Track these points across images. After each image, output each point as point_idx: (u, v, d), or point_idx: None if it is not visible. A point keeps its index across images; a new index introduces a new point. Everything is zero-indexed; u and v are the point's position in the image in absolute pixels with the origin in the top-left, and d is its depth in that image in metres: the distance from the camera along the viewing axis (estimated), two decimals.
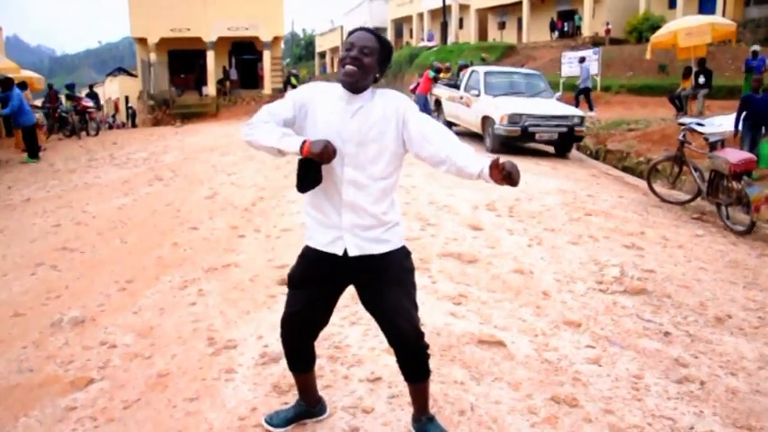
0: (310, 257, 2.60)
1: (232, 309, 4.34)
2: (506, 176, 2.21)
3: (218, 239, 6.18)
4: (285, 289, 4.62)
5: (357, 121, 2.42)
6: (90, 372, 3.52)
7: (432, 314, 4.16)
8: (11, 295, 4.93)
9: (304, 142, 2.34)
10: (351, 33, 2.48)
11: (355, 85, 2.42)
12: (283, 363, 3.49)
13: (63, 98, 21.16)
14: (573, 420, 3.02)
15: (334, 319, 4.03)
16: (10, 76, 15.12)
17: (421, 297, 4.36)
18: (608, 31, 31.74)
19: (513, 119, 11.66)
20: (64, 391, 3.34)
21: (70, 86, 22.81)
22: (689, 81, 15.99)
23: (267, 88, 30.88)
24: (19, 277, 5.37)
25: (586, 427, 2.97)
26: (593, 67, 19.98)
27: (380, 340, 3.77)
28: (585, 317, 4.30)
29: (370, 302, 2.60)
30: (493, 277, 4.94)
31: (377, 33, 2.49)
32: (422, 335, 2.61)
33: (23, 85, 19.03)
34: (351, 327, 4.01)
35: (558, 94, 13.81)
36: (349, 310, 4.27)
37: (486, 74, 13.57)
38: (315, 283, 2.60)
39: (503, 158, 2.24)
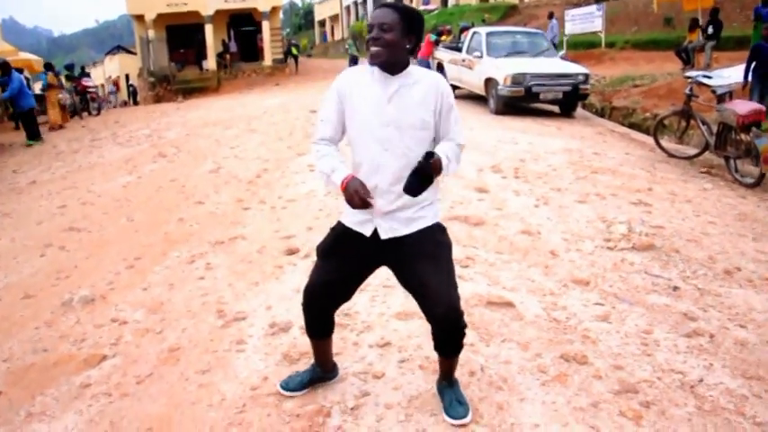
0: (340, 232, 2.66)
1: (240, 281, 4.37)
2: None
3: (224, 213, 6.20)
4: (292, 259, 4.73)
5: (394, 105, 2.45)
6: (102, 349, 3.57)
7: None
8: (21, 277, 4.98)
9: (343, 181, 2.44)
10: (374, 5, 2.50)
11: (387, 64, 2.43)
12: (293, 332, 3.55)
13: (63, 79, 21.06)
14: (583, 377, 3.04)
15: None
16: (8, 59, 15.09)
17: None
18: None
19: (517, 79, 11.53)
20: (78, 368, 3.39)
21: (69, 67, 22.70)
22: (696, 33, 15.72)
23: (267, 59, 30.62)
24: (28, 259, 5.41)
25: (596, 383, 2.99)
26: (597, 23, 19.67)
27: (388, 306, 3.82)
28: (594, 275, 4.30)
29: (405, 280, 2.61)
30: (500, 239, 4.94)
31: (396, 5, 2.45)
32: (461, 314, 2.56)
33: (20, 70, 19.03)
34: (359, 294, 3.97)
35: (562, 52, 13.64)
36: None
37: (488, 35, 13.40)
38: (342, 257, 2.63)
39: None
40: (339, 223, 2.68)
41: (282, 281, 4.35)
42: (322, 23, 63.47)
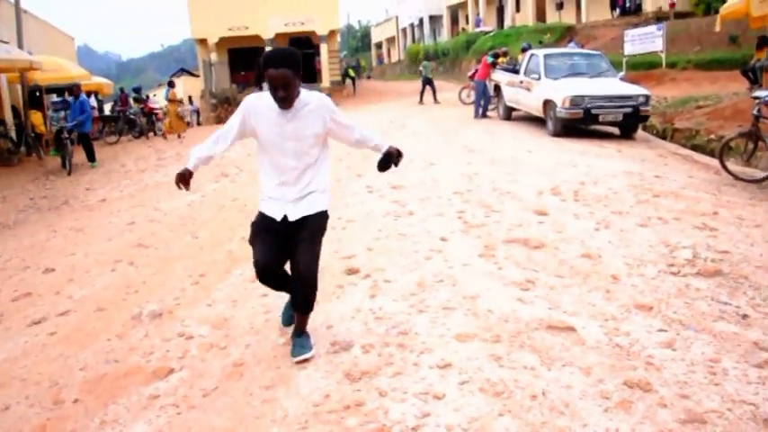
0: (260, 218, 3.46)
1: None
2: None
3: None
4: (353, 279, 4.80)
5: (293, 124, 3.27)
6: (170, 362, 3.69)
7: (499, 300, 4.16)
8: (94, 291, 5.20)
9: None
10: (265, 67, 3.10)
11: (290, 107, 3.24)
12: (354, 351, 3.59)
13: (131, 101, 21.95)
14: (647, 405, 2.97)
15: (402, 307, 4.14)
16: (82, 82, 15.93)
17: (487, 284, 4.44)
18: (672, 5, 30.50)
19: (576, 101, 11.42)
20: (147, 380, 3.51)
21: (137, 89, 23.62)
22: (764, 51, 15.23)
23: (325, 81, 31.18)
24: (100, 274, 5.65)
25: (661, 411, 2.92)
26: (658, 43, 19.29)
27: (448, 327, 3.82)
28: (657, 300, 4.20)
29: (293, 251, 3.36)
30: (560, 262, 4.89)
31: (285, 59, 3.12)
32: (314, 275, 3.41)
33: (94, 92, 20.00)
34: (419, 314, 4.05)
35: (622, 73, 13.42)
36: (416, 298, 4.32)
37: (546, 56, 13.33)
38: (265, 234, 3.40)
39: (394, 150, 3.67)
40: (259, 213, 3.46)
41: (343, 300, 4.41)
42: (378, 45, 64.23)
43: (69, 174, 12.60)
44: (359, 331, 3.86)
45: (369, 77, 45.28)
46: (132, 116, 20.23)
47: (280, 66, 3.07)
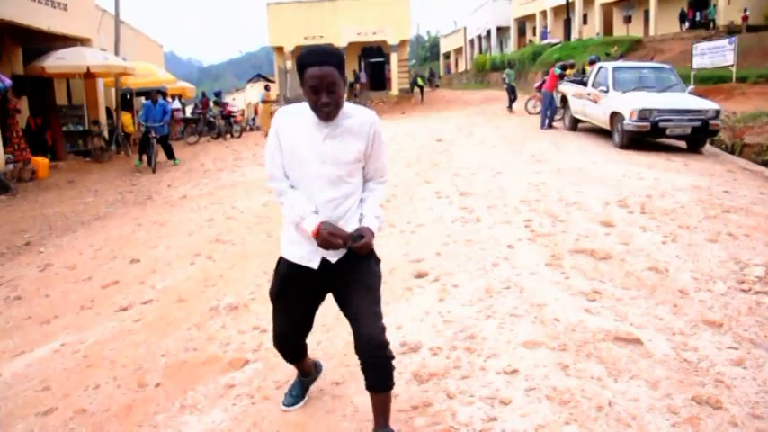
0: (285, 273, 2.65)
1: None
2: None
3: None
4: (421, 282, 4.77)
5: (329, 143, 2.45)
6: (245, 353, 3.77)
7: (566, 310, 4.07)
8: (175, 282, 5.38)
9: (316, 229, 2.45)
10: (304, 65, 2.34)
11: (333, 118, 2.44)
12: (422, 353, 3.57)
13: (211, 104, 22.62)
14: (717, 423, 2.84)
15: (470, 311, 4.11)
16: (168, 86, 16.54)
17: (554, 292, 4.35)
18: (745, 18, 29.29)
19: (643, 114, 11.08)
20: (223, 369, 3.60)
21: (217, 93, 24.38)
22: None
23: (394, 89, 31.35)
24: (181, 266, 5.84)
25: (732, 430, 2.79)
26: (729, 57, 18.52)
27: (516, 334, 3.76)
28: (727, 317, 4.01)
29: (343, 305, 2.61)
30: (627, 274, 4.74)
31: (329, 54, 2.36)
32: (384, 344, 2.50)
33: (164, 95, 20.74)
34: (486, 320, 4.00)
35: (691, 87, 12.94)
36: (484, 303, 4.28)
37: (615, 69, 13.00)
38: (294, 296, 2.66)
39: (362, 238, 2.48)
40: (282, 262, 2.66)
41: (412, 302, 4.41)
42: (447, 56, 64.11)
43: (154, 171, 13.07)
44: (427, 333, 3.85)
45: (437, 86, 44.94)
46: (212, 118, 20.82)
47: (324, 63, 2.32)
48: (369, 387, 2.57)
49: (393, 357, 2.54)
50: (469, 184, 8.62)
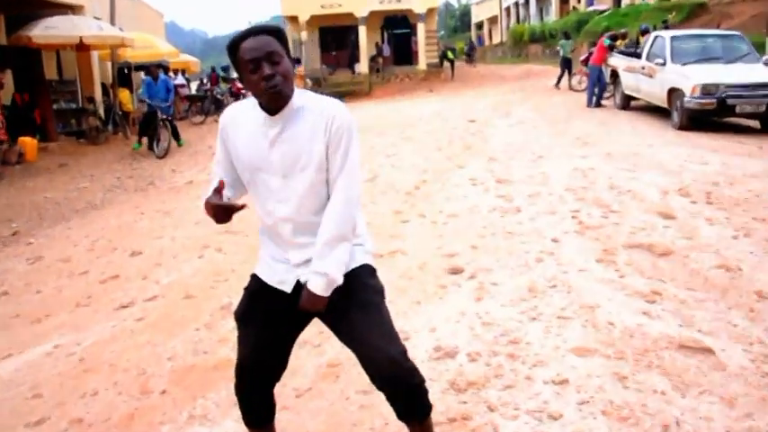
0: (255, 290, 2.39)
1: (401, 298, 4.43)
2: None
3: (382, 224, 6.34)
4: (456, 279, 4.73)
5: (277, 149, 2.16)
6: None
7: (621, 313, 4.00)
8: (182, 277, 5.40)
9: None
10: (236, 45, 2.11)
11: (284, 103, 2.15)
12: (460, 359, 3.53)
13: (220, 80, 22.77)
14: None
15: (511, 313, 4.06)
16: (171, 60, 16.59)
17: (607, 293, 4.28)
18: None
19: (708, 89, 10.84)
20: None
21: (225, 68, 24.47)
22: None
23: (421, 63, 31.13)
24: (188, 259, 5.86)
25: None
26: None
27: (564, 339, 3.71)
28: None
29: (340, 333, 2.31)
30: (691, 273, 4.64)
31: (265, 26, 2.16)
32: (410, 369, 2.23)
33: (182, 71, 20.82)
34: (530, 322, 3.95)
35: (766, 57, 12.60)
36: (527, 304, 4.23)
37: (674, 38, 12.74)
38: (265, 321, 2.34)
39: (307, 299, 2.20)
40: (253, 279, 2.42)
41: (446, 301, 4.36)
42: (479, 26, 63.58)
43: (161, 157, 12.99)
44: (464, 337, 3.80)
45: (474, 62, 43.85)
46: (219, 96, 20.92)
47: (258, 33, 2.10)
48: (401, 417, 2.33)
49: (423, 381, 2.28)
50: (507, 170, 8.53)
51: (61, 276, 5.77)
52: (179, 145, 14.23)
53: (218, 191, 2.15)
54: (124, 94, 17.53)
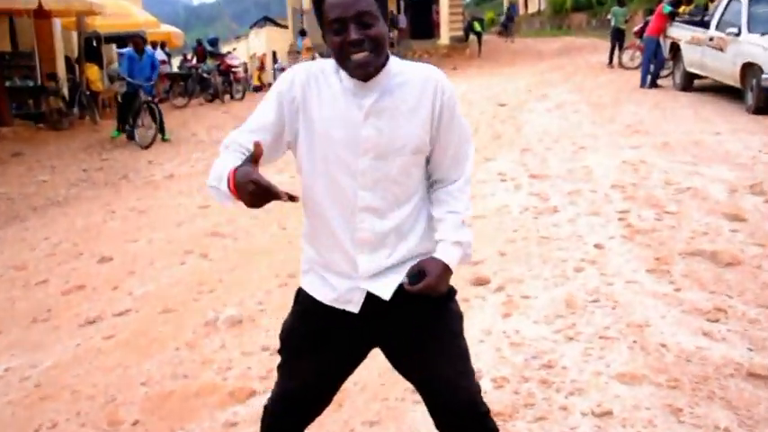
0: (310, 312, 2.25)
1: None
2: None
3: None
4: (480, 291, 4.76)
5: (373, 124, 2.06)
6: (251, 382, 3.79)
7: (676, 333, 4.01)
8: (160, 287, 5.46)
9: (230, 178, 1.89)
10: None
11: (376, 73, 2.06)
12: (483, 384, 3.52)
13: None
14: None
15: (545, 332, 4.07)
16: (149, 31, 16.63)
17: (660, 309, 4.29)
18: None
19: None
20: (223, 402, 3.63)
21: (213, 42, 24.50)
22: None
23: (444, 38, 31.22)
24: (167, 266, 5.93)
25: None
26: None
27: (607, 363, 3.72)
28: None
29: (406, 366, 2.26)
30: (764, 286, 4.64)
31: None
32: (485, 412, 2.21)
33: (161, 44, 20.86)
34: (567, 343, 3.97)
35: None
36: (563, 321, 4.25)
37: (752, 2, 12.50)
38: (321, 350, 2.23)
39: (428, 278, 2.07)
40: (302, 295, 2.28)
41: (469, 317, 4.28)
42: None
43: (148, 147, 12.87)
44: (489, 359, 3.83)
45: (510, 34, 43.33)
46: (206, 74, 20.98)
47: None
48: None
49: (495, 427, 2.25)
50: (543, 163, 8.55)
51: (14, 286, 5.83)
52: (163, 140, 13.67)
53: (255, 159, 1.87)
54: (92, 71, 17.54)
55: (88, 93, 16.60)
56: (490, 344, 4.02)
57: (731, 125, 10.42)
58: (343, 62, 2.01)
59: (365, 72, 2.00)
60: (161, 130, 13.56)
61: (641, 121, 11.23)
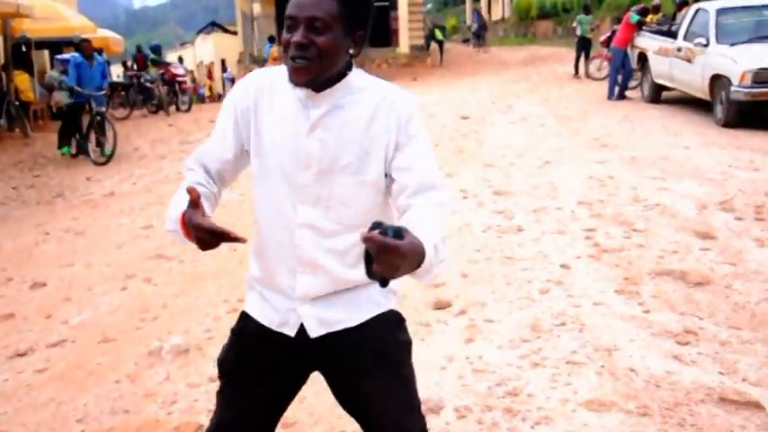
0: (247, 334, 2.25)
1: None
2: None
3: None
4: (441, 315, 4.79)
5: (318, 137, 2.05)
6: (199, 416, 3.75)
7: (646, 357, 4.07)
8: (98, 315, 5.39)
9: (180, 223, 1.96)
10: None
11: (314, 83, 2.02)
12: (445, 415, 3.57)
13: (149, 64, 22.64)
14: None
15: (509, 357, 4.10)
16: (86, 36, 16.42)
17: (629, 332, 4.35)
18: None
19: (761, 77, 11.00)
20: None
21: (155, 49, 24.23)
22: None
23: (403, 45, 31.29)
24: (107, 292, 5.86)
25: None
26: None
27: (574, 390, 3.77)
28: None
29: (346, 397, 2.25)
30: (735, 307, 4.74)
31: None
32: None
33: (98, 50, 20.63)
34: (533, 369, 4.00)
35: None
36: (529, 346, 4.28)
37: (721, 12, 12.86)
38: (257, 373, 2.21)
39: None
40: (244, 317, 2.28)
41: (429, 343, 4.40)
42: None
43: (106, 163, 12.52)
44: (451, 388, 3.84)
45: (483, 44, 43.16)
46: (149, 84, 20.81)
47: None
48: None
49: None
50: (507, 179, 8.64)
51: None
52: (103, 154, 13.05)
53: (195, 204, 1.92)
54: (22, 79, 17.29)
55: (17, 103, 16.31)
56: (452, 371, 4.03)
57: (701, 139, 10.63)
58: (287, 63, 2.01)
59: (301, 79, 1.99)
60: (99, 143, 13.10)
61: (609, 134, 11.40)
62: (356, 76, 2.09)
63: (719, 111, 11.81)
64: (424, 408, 3.55)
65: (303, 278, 2.10)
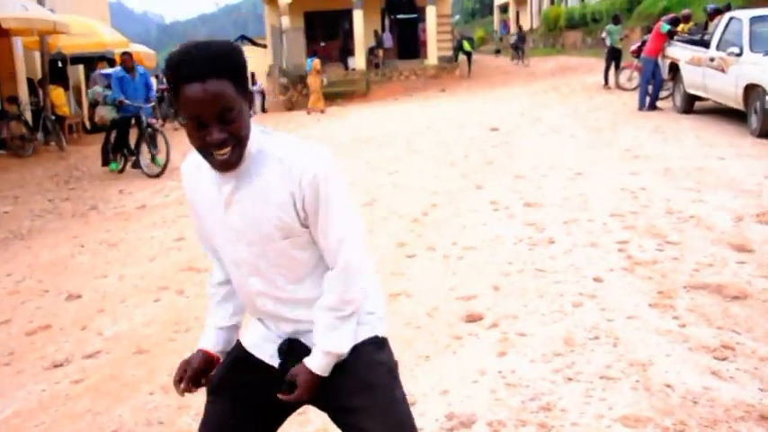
0: (238, 356, 2.32)
1: (406, 352, 4.45)
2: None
3: (382, 260, 6.38)
4: (474, 328, 4.78)
5: (235, 211, 2.08)
6: None
7: (683, 372, 4.02)
8: (132, 327, 5.42)
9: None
10: (177, 81, 1.91)
11: (239, 163, 2.03)
12: (478, 428, 3.54)
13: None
14: None
15: (543, 372, 4.07)
16: (117, 51, 16.59)
17: (665, 346, 4.30)
18: None
19: None
20: None
21: None
22: None
23: (431, 57, 31.35)
24: (140, 304, 5.90)
25: None
26: None
27: (609, 405, 3.73)
28: None
29: (339, 423, 2.24)
30: None
31: (216, 56, 1.92)
32: None
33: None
34: (566, 383, 3.96)
35: None
36: (562, 360, 4.24)
37: (754, 20, 12.71)
38: (240, 394, 2.26)
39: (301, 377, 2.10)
40: (238, 344, 2.37)
41: (461, 356, 4.39)
42: (504, 8, 64.11)
43: (160, 175, 12.56)
44: (484, 401, 3.82)
45: (499, 51, 43.57)
46: None
47: (207, 74, 1.89)
48: None
49: None
50: (538, 191, 8.61)
51: None
52: (157, 165, 12.99)
53: (209, 364, 2.30)
54: (58, 94, 17.52)
55: (53, 117, 16.52)
56: (485, 385, 4.01)
57: (735, 149, 10.52)
58: (206, 158, 2.00)
59: (230, 168, 2.00)
60: (152, 157, 13.13)
61: (641, 146, 11.32)
62: (255, 141, 2.05)
63: (754, 120, 11.67)
64: (455, 422, 3.63)
65: (279, 324, 2.22)
